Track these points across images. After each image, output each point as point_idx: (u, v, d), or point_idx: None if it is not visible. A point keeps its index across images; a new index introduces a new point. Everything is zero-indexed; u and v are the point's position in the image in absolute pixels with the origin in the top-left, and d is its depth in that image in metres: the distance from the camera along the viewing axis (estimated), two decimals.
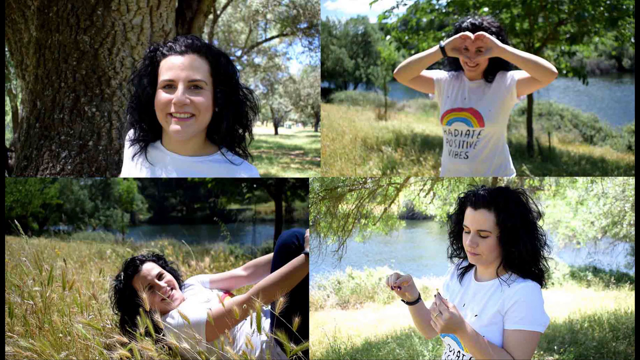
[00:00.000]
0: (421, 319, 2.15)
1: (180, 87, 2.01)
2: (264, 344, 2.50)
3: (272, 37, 22.10)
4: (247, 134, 2.23)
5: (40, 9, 3.63)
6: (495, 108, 2.85)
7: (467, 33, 2.70)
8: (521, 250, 1.92)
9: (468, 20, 2.83)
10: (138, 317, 2.32)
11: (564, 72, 10.86)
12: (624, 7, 9.08)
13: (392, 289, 2.07)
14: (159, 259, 2.74)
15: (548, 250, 2.00)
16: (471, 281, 2.09)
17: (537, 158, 11.33)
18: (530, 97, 11.78)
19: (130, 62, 3.59)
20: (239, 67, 14.17)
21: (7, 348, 2.26)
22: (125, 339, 2.27)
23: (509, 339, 1.86)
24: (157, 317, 2.33)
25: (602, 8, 9.28)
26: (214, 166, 2.15)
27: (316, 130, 33.00)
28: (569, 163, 11.10)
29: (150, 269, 2.64)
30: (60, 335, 2.51)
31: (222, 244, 8.96)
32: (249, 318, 2.39)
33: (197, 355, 2.31)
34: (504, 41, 2.74)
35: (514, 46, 2.86)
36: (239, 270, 2.95)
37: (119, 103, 3.58)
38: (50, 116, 3.53)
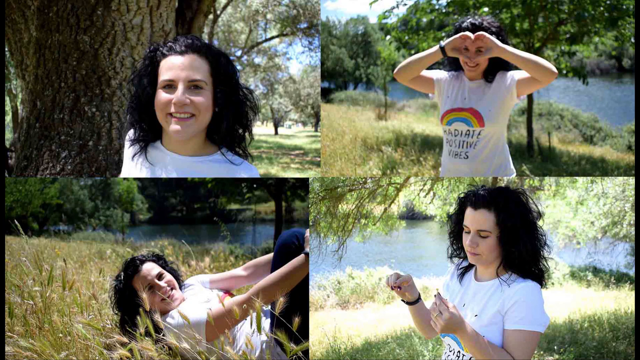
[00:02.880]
0: (421, 319, 2.15)
1: (180, 87, 2.01)
2: (264, 344, 2.50)
3: (272, 37, 22.10)
4: (247, 134, 2.23)
5: (40, 9, 3.64)
6: (495, 108, 2.85)
7: (467, 33, 2.70)
8: (521, 250, 1.92)
9: (468, 20, 2.83)
10: (138, 317, 2.32)
11: (564, 72, 10.86)
12: (624, 7, 9.08)
13: (392, 289, 2.07)
14: (159, 259, 2.74)
15: (548, 250, 2.00)
16: (471, 281, 2.09)
17: (537, 158, 11.33)
18: (530, 97, 11.78)
19: (130, 62, 3.59)
20: (239, 67, 14.15)
21: (7, 348, 2.26)
22: (125, 339, 2.27)
23: (509, 339, 1.86)
24: (157, 317, 2.33)
25: (602, 8, 9.28)
26: (214, 166, 2.15)
27: (316, 130, 33.00)
28: (569, 163, 11.10)
29: (150, 269, 2.64)
30: (60, 335, 2.51)
31: (222, 244, 8.96)
32: (249, 318, 2.39)
33: (197, 355, 2.31)
34: (504, 41, 2.74)
35: (514, 46, 2.86)
36: (239, 270, 2.95)
37: (119, 103, 3.58)
38: (50, 116, 3.53)
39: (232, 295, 2.84)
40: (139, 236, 15.90)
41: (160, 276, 2.64)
